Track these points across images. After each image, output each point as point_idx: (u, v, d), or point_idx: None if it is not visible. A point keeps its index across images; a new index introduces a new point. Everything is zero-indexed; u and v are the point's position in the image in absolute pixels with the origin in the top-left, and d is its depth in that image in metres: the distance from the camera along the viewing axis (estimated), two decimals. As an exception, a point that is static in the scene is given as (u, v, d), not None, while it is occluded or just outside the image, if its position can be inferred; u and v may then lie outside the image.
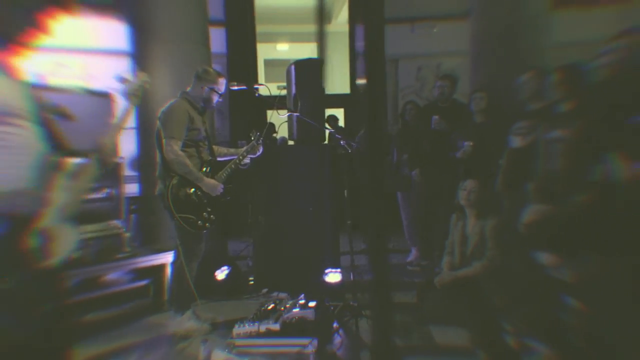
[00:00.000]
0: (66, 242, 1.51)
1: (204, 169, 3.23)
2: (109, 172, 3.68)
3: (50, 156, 1.49)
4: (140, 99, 2.14)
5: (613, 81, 2.45)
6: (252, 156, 3.49)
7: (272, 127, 5.43)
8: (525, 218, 2.57)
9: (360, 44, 0.79)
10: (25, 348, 1.42)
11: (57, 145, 1.52)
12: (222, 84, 3.28)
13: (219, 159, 3.45)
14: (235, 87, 3.45)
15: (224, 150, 3.58)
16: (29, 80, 1.47)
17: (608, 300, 2.07)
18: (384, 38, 6.61)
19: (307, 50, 10.73)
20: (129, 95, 2.07)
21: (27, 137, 1.40)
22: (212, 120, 5.04)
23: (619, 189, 2.30)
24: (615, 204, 2.38)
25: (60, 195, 1.50)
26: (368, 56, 0.74)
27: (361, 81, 0.78)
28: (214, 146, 3.47)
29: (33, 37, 1.44)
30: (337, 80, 9.46)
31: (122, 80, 2.10)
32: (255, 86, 3.50)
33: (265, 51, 9.50)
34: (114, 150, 1.77)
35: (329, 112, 6.90)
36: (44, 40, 1.46)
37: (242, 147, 3.67)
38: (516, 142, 3.43)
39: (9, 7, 1.38)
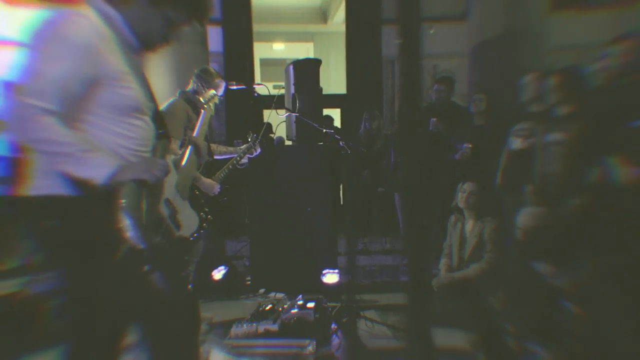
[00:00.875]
0: (189, 219, 1.67)
1: (201, 170, 3.23)
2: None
3: (161, 145, 1.64)
4: (213, 109, 2.57)
5: (611, 85, 2.46)
6: (249, 156, 3.50)
7: (269, 127, 5.42)
8: (521, 223, 2.58)
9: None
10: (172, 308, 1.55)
11: (163, 137, 1.67)
12: (217, 85, 3.26)
13: (217, 157, 3.45)
14: (235, 87, 3.44)
15: (222, 148, 3.57)
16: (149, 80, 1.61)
17: (606, 305, 2.08)
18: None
19: (303, 50, 10.73)
20: (204, 105, 2.45)
21: (147, 130, 1.56)
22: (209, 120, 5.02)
23: (618, 193, 2.31)
24: (613, 207, 2.40)
25: (173, 176, 1.69)
26: (403, 21, 0.72)
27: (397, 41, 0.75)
28: (213, 144, 3.47)
29: (164, 45, 1.59)
30: (334, 80, 9.47)
31: (200, 93, 2.53)
32: (254, 85, 3.50)
33: (261, 50, 9.48)
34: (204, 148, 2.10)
35: (324, 112, 6.89)
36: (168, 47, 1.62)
37: (239, 146, 3.65)
38: (517, 143, 3.44)
39: (155, 17, 1.51)
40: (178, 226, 1.55)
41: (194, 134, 2.03)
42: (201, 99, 2.38)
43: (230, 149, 3.61)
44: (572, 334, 2.09)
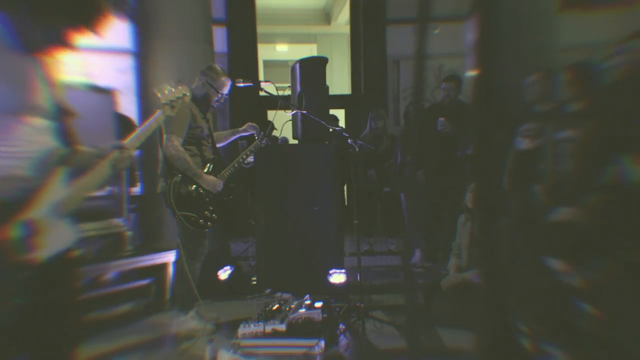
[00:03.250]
0: (59, 238, 1.49)
1: (207, 167, 3.20)
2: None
3: (58, 151, 1.51)
4: (176, 111, 2.09)
5: (627, 81, 2.42)
6: (260, 142, 3.50)
7: (272, 127, 5.41)
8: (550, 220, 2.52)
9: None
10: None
11: (68, 143, 1.55)
12: (223, 84, 3.24)
13: (221, 144, 3.47)
14: (242, 84, 3.42)
15: (224, 132, 3.59)
16: (49, 79, 1.51)
17: (622, 306, 2.03)
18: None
19: (307, 52, 10.71)
20: (163, 104, 2.02)
21: (31, 131, 1.44)
22: (215, 118, 5.00)
23: (633, 192, 2.27)
24: (628, 206, 2.36)
25: (59, 190, 1.50)
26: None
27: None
28: (214, 132, 3.44)
29: (56, 51, 1.50)
30: (337, 81, 9.45)
31: (160, 89, 2.05)
32: (262, 83, 3.48)
33: (264, 52, 9.47)
34: (132, 156, 1.72)
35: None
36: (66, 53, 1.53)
37: (243, 147, 3.63)
38: (524, 143, 3.40)
39: (34, 25, 1.42)
40: (32, 249, 1.42)
41: (129, 140, 1.73)
42: (159, 96, 2.03)
43: (231, 130, 3.64)
44: (587, 334, 2.05)
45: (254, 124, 3.52)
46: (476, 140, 0.71)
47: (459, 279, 3.20)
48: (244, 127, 3.54)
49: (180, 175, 3.04)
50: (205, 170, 3.18)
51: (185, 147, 3.09)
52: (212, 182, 3.14)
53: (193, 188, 3.10)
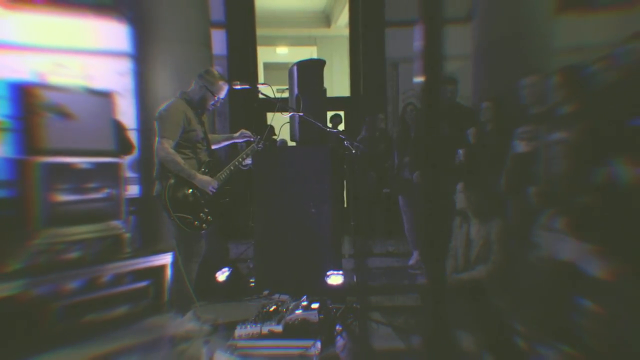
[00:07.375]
0: None
1: (202, 170, 3.21)
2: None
3: None
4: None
5: (625, 82, 2.43)
6: (255, 147, 3.51)
7: (271, 130, 5.43)
8: None
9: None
10: None
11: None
12: (220, 88, 3.26)
13: (216, 146, 3.48)
14: (239, 87, 3.44)
15: (219, 137, 3.60)
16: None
17: (622, 303, 2.04)
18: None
19: (307, 54, 10.74)
20: None
21: None
22: (212, 121, 5.02)
23: (624, 193, 2.28)
24: (619, 207, 2.37)
25: None
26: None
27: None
28: (209, 135, 3.46)
29: None
30: (337, 83, 9.47)
31: None
32: (259, 86, 3.50)
33: (264, 54, 9.49)
34: None
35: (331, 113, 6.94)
36: None
37: (243, 148, 3.65)
38: (521, 147, 3.42)
39: None
40: None
41: None
42: None
43: (226, 135, 3.66)
44: (588, 332, 2.06)
45: (247, 132, 3.54)
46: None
47: (455, 281, 3.20)
48: (237, 134, 3.56)
49: (174, 178, 3.05)
50: (200, 172, 3.19)
51: (180, 151, 3.11)
52: (206, 181, 3.16)
53: (189, 191, 3.11)
